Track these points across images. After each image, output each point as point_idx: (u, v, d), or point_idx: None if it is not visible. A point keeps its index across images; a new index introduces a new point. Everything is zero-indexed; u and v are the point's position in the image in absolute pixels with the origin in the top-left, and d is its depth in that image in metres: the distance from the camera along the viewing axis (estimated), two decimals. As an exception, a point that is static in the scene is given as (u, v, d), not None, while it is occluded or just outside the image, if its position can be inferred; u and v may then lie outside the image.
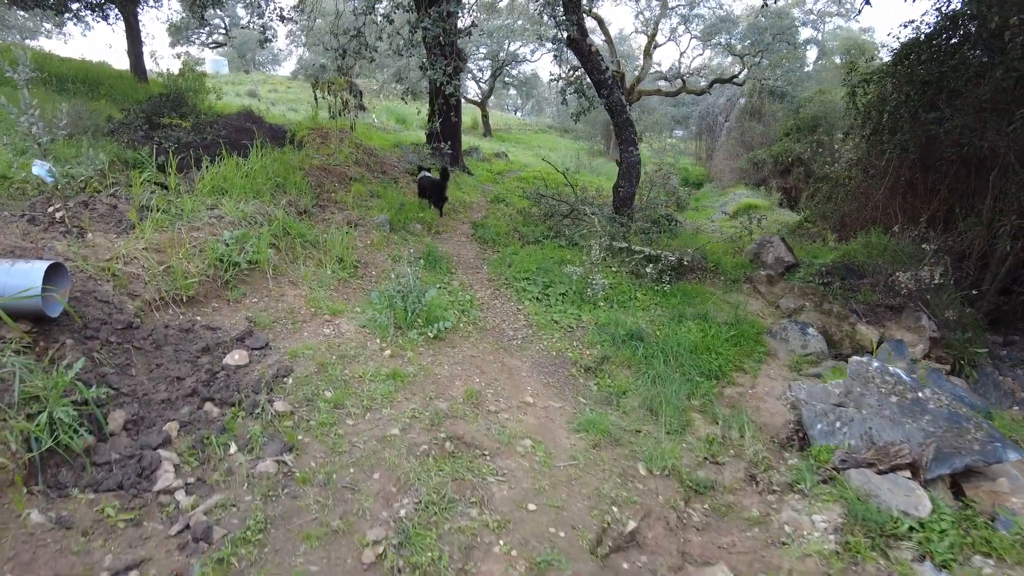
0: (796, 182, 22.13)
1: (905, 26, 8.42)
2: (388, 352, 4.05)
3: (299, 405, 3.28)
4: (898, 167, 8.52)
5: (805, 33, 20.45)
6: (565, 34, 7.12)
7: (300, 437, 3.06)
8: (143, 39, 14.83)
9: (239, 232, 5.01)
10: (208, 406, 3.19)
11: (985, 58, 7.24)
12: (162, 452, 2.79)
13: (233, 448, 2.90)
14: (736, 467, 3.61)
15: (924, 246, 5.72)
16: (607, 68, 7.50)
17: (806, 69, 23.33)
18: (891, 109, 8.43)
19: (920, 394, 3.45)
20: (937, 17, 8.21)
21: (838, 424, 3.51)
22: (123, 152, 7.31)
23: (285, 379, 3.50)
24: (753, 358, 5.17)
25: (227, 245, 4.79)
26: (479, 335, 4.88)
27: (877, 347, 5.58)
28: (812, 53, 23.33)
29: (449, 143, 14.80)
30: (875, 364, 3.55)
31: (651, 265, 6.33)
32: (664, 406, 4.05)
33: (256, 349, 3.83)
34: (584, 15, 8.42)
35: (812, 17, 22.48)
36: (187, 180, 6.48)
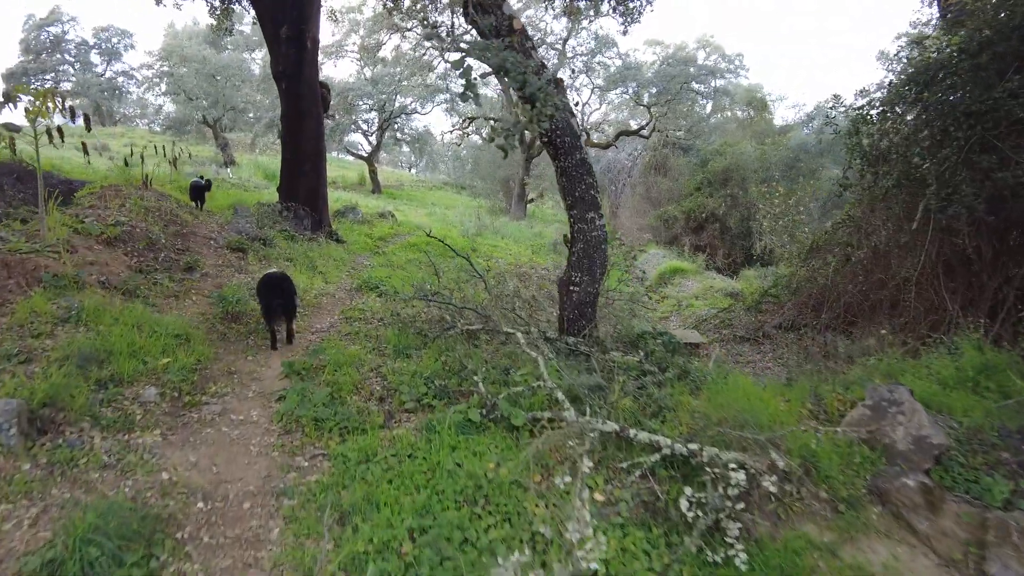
0: (712, 239, 20.75)
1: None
2: None
3: None
4: (945, 232, 5.95)
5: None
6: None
7: None
8: None
9: None
10: None
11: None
12: None
13: None
14: None
15: None
16: (544, 65, 3.96)
17: (703, 123, 22.66)
18: (926, 150, 5.93)
19: None
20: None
21: None
22: None
23: None
24: None
25: None
26: None
27: None
28: (710, 106, 22.80)
29: (308, 203, 10.76)
30: None
31: (688, 490, 2.70)
32: None
33: None
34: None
35: (704, 72, 21.99)
36: None
